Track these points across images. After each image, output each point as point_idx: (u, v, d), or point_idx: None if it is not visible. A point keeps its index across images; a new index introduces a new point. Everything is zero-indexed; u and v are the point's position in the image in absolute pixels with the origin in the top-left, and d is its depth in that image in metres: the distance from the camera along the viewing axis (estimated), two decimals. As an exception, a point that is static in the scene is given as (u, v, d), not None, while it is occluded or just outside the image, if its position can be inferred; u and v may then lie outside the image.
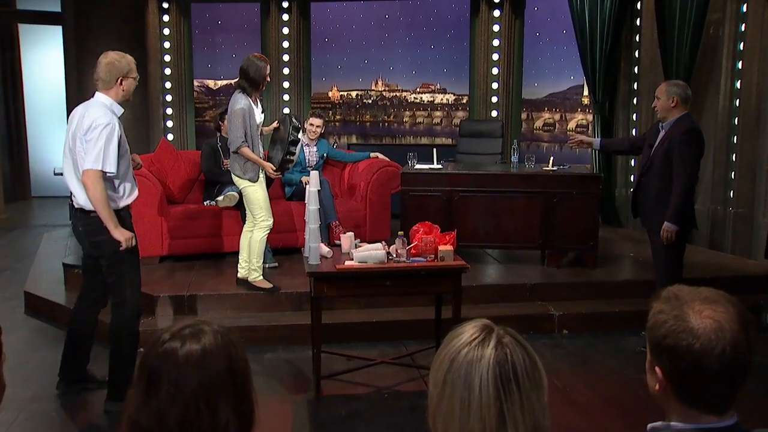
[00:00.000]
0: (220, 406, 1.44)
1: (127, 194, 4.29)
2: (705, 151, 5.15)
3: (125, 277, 4.27)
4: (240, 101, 5.47)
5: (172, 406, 1.41)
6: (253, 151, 5.47)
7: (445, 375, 1.38)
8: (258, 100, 5.64)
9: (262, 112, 5.69)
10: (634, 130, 8.36)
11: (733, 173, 7.16)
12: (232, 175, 5.67)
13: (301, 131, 5.59)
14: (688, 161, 4.86)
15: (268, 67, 5.58)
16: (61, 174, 6.33)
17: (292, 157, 5.71)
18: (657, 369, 1.54)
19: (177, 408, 1.41)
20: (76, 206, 4.24)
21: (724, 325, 1.46)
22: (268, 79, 5.63)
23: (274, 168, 5.62)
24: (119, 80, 4.20)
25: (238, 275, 5.83)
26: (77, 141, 4.12)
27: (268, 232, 5.67)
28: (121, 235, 4.11)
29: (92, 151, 4.02)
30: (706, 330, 1.46)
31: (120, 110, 4.25)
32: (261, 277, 5.77)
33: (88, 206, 4.14)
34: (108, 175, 4.07)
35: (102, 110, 4.12)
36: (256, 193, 5.59)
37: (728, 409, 1.53)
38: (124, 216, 4.26)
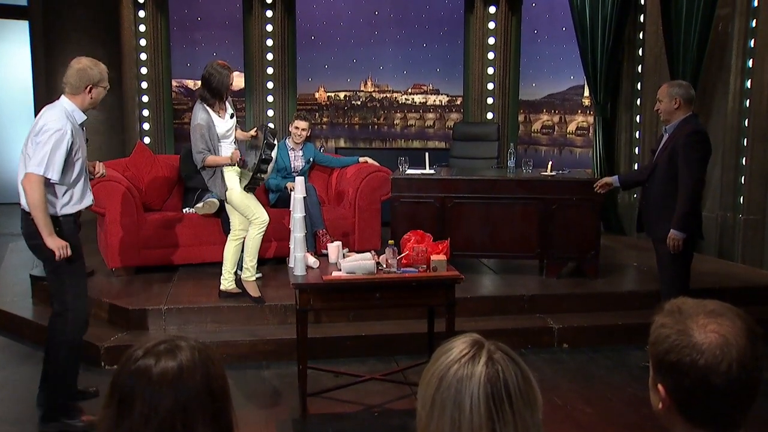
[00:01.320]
0: (197, 427, 1.43)
1: (74, 201, 4.35)
2: (713, 154, 5.18)
3: (66, 284, 4.34)
4: (198, 115, 5.49)
5: (146, 427, 1.41)
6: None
7: (434, 394, 1.39)
8: (227, 104, 5.65)
9: (232, 116, 5.69)
10: (637, 133, 8.41)
11: (743, 178, 7.20)
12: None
13: (276, 143, 5.57)
14: (693, 165, 4.89)
15: (233, 75, 5.58)
16: None
17: (263, 174, 5.65)
18: (660, 387, 1.54)
19: (151, 429, 1.41)
20: (21, 206, 4.32)
21: (730, 340, 1.46)
22: (233, 89, 5.64)
23: (238, 162, 5.62)
24: (88, 88, 4.31)
25: (221, 287, 5.83)
26: (28, 141, 4.24)
27: (265, 228, 5.67)
28: (53, 243, 4.17)
29: (37, 155, 4.12)
30: (711, 345, 1.46)
31: (82, 117, 4.36)
32: (254, 278, 5.79)
33: (28, 208, 4.22)
34: (51, 181, 4.16)
35: (58, 114, 4.22)
36: (234, 197, 5.60)
37: (737, 428, 1.52)
38: (64, 222, 4.30)
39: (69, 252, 4.21)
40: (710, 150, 5.03)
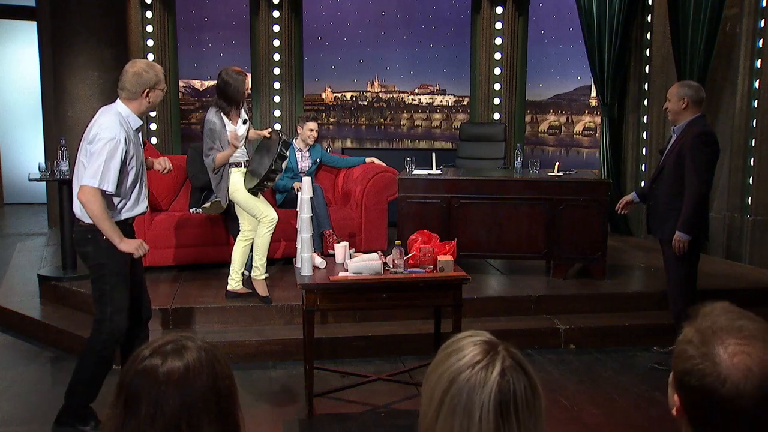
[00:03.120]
0: (203, 427, 1.43)
1: (126, 209, 4.24)
2: (721, 155, 5.16)
3: (107, 294, 4.21)
4: (211, 119, 5.49)
5: (152, 426, 1.40)
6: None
7: (443, 395, 1.39)
8: (241, 110, 5.65)
9: (245, 122, 5.69)
10: (644, 133, 8.39)
11: (750, 179, 7.18)
12: None
13: (291, 143, 5.58)
14: (701, 167, 4.87)
15: (248, 80, 5.56)
16: (37, 180, 6.37)
17: (270, 183, 5.67)
18: (676, 397, 1.49)
19: (157, 429, 1.41)
20: (74, 212, 4.24)
21: (754, 371, 1.38)
22: (248, 94, 5.60)
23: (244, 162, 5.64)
24: (146, 92, 4.18)
25: (228, 287, 5.84)
26: (81, 148, 4.13)
27: (274, 226, 5.66)
28: (127, 246, 4.09)
29: (92, 166, 3.99)
30: (735, 376, 1.38)
31: (137, 123, 4.22)
32: (263, 277, 5.79)
33: (78, 214, 4.16)
34: (107, 193, 4.04)
35: (112, 121, 4.08)
36: (240, 197, 5.61)
37: None
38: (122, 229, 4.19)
39: (146, 247, 4.16)
40: (718, 152, 5.01)
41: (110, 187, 4.01)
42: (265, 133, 5.81)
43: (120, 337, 4.32)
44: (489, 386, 1.36)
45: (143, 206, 4.36)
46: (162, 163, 4.60)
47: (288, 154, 5.59)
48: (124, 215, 4.24)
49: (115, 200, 4.17)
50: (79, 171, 4.11)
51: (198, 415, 1.43)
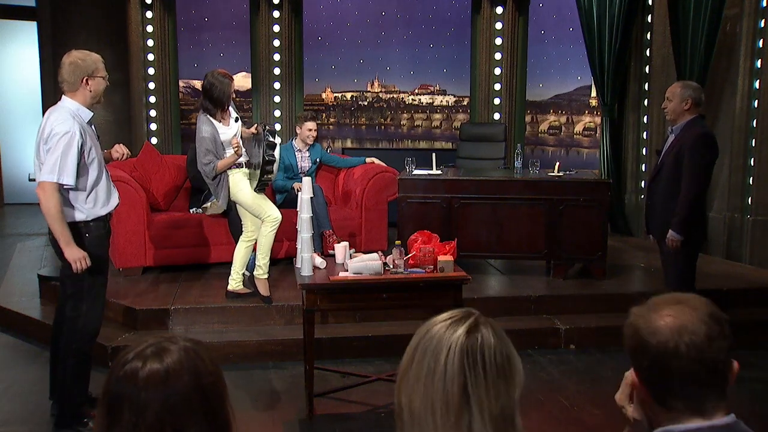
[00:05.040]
0: (189, 429, 1.42)
1: (101, 204, 4.22)
2: (721, 155, 5.16)
3: (83, 291, 4.21)
4: (202, 128, 5.48)
5: None
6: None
7: (418, 341, 1.54)
8: (230, 110, 5.65)
9: (236, 120, 5.68)
10: (644, 133, 8.39)
11: (751, 179, 7.18)
12: None
13: (276, 141, 5.59)
14: (698, 169, 4.84)
15: (233, 84, 5.57)
16: (34, 180, 6.37)
17: (269, 175, 5.68)
18: (633, 372, 1.67)
19: None
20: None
21: (684, 323, 1.59)
22: (234, 96, 5.62)
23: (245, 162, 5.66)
24: (84, 80, 4.15)
25: (228, 287, 5.84)
26: (39, 149, 4.11)
27: (277, 225, 5.66)
28: (71, 254, 4.03)
29: (48, 162, 3.97)
30: (664, 328, 1.59)
31: (88, 114, 4.20)
32: (265, 276, 5.80)
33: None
34: (65, 187, 4.02)
35: (64, 116, 4.06)
36: (245, 198, 5.61)
37: (714, 411, 1.60)
38: (94, 228, 4.19)
39: (87, 263, 4.06)
40: (717, 154, 4.98)
41: (69, 179, 3.99)
42: (253, 129, 5.81)
43: (96, 334, 4.34)
44: (456, 335, 1.48)
45: (116, 198, 4.36)
46: (119, 150, 4.54)
47: (276, 140, 5.57)
48: (103, 210, 4.23)
49: (84, 197, 4.13)
50: (36, 172, 4.09)
51: (182, 417, 1.42)
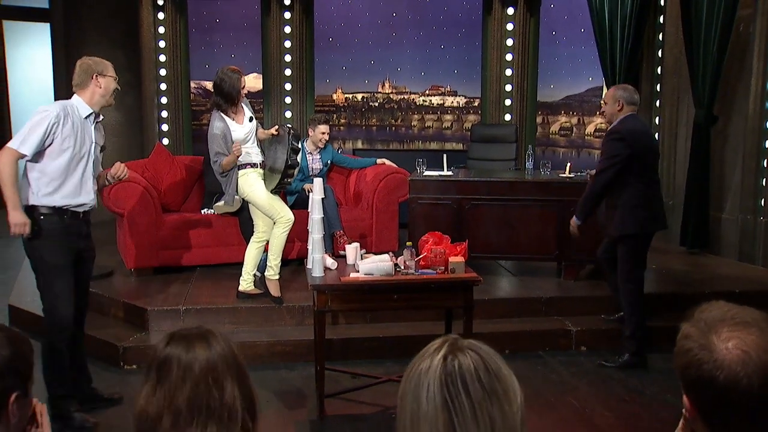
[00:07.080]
0: (227, 383, 1.60)
1: (63, 194, 4.22)
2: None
3: (44, 283, 4.33)
4: (214, 125, 5.51)
5: (182, 385, 1.57)
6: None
7: (403, 389, 1.42)
8: (245, 108, 5.66)
9: (251, 119, 5.70)
10: (656, 135, 8.36)
11: (764, 180, 7.14)
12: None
13: (300, 141, 5.63)
14: (604, 158, 5.25)
15: (244, 79, 5.60)
16: None
17: (289, 179, 5.72)
18: (685, 398, 1.53)
19: (186, 387, 1.57)
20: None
21: (751, 355, 1.41)
22: (245, 92, 5.64)
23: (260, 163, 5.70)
24: (95, 77, 4.29)
25: (239, 288, 5.85)
26: None
27: (290, 226, 5.67)
28: (12, 217, 4.11)
29: (20, 132, 4.14)
30: (731, 362, 1.42)
31: (86, 110, 4.30)
32: (277, 277, 5.81)
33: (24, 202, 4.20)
34: (25, 158, 4.12)
35: (56, 103, 4.25)
36: (259, 198, 5.62)
37: None
38: (45, 221, 4.20)
39: (26, 230, 4.12)
40: (632, 148, 5.16)
41: (27, 150, 4.10)
42: (272, 131, 5.82)
43: (68, 326, 4.34)
44: (433, 368, 1.37)
45: (87, 198, 4.35)
46: (119, 171, 4.53)
47: (300, 146, 5.61)
48: (61, 201, 4.24)
49: (45, 180, 4.18)
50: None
51: (223, 372, 1.61)
